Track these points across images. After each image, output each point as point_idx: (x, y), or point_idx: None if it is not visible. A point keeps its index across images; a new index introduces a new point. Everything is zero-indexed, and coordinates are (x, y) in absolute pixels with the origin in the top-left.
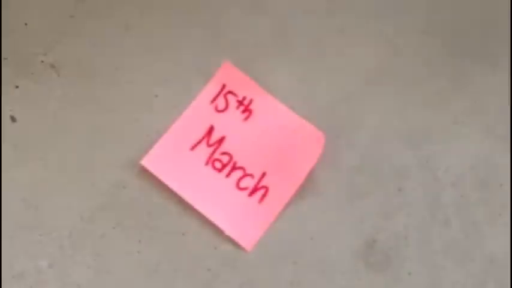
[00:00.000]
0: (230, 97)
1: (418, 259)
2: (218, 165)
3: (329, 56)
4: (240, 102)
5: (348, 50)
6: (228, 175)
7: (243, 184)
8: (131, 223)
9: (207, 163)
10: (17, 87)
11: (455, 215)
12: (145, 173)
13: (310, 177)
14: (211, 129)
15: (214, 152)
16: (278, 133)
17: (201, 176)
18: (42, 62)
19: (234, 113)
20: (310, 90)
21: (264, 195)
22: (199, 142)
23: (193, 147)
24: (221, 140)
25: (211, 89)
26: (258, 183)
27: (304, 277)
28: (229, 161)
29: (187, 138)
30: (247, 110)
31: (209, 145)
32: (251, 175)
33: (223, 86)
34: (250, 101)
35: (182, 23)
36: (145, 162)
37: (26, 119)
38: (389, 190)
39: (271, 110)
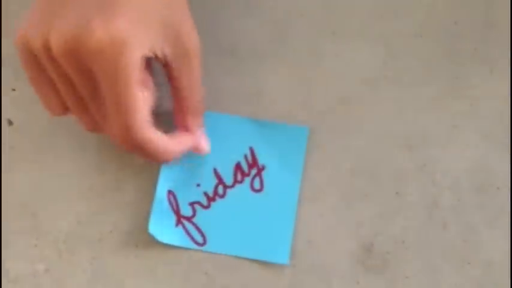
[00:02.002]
0: None
1: (416, 263)
2: None
3: (326, 59)
4: None
5: (346, 53)
6: None
7: None
8: (128, 227)
9: None
10: (13, 90)
11: (453, 218)
12: (142, 176)
13: (308, 180)
14: None
15: None
16: None
17: None
18: None
19: None
20: (308, 94)
21: None
22: None
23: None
24: None
25: None
26: None
27: (302, 281)
28: None
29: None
30: None
31: None
32: None
33: None
34: None
35: None
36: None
37: (22, 122)
38: (387, 194)
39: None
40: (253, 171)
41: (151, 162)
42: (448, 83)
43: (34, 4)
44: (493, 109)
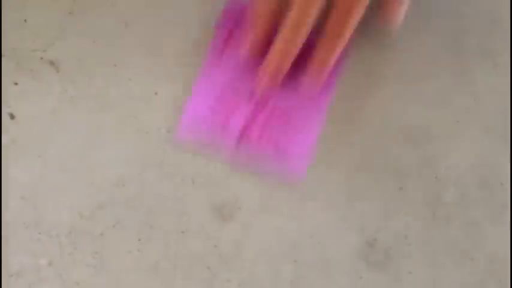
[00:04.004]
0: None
1: (419, 258)
2: None
3: None
4: None
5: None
6: None
7: None
8: (131, 221)
9: None
10: (15, 84)
11: (456, 214)
12: (145, 171)
13: (310, 175)
14: None
15: None
16: None
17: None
18: (42, 58)
19: None
20: None
21: None
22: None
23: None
24: None
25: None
26: None
27: (305, 276)
28: None
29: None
30: None
31: None
32: None
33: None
34: None
35: (182, 20)
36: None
37: (24, 116)
38: (390, 189)
39: None
40: None
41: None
42: (452, 78)
43: None
44: (497, 104)
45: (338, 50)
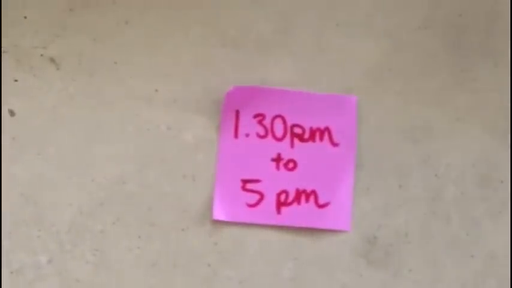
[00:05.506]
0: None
1: (419, 256)
2: None
3: (330, 51)
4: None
5: (349, 46)
6: None
7: None
8: (131, 219)
9: None
10: (16, 80)
11: (455, 211)
12: (145, 168)
13: None
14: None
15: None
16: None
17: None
18: (42, 55)
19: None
20: (311, 86)
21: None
22: None
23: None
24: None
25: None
26: None
27: (305, 274)
28: None
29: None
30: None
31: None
32: None
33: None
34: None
35: (182, 17)
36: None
37: (25, 113)
38: (390, 187)
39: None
40: None
41: None
42: (452, 76)
43: None
44: (497, 102)
45: None
